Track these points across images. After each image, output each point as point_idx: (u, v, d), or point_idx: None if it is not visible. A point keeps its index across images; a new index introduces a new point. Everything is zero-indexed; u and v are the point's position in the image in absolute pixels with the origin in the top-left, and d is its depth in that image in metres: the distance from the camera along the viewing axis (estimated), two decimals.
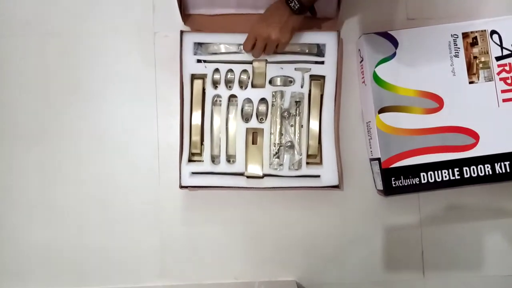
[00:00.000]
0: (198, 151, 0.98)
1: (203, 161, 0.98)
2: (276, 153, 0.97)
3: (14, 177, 1.03)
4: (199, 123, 0.98)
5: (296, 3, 0.86)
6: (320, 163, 0.98)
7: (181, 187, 0.95)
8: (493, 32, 0.96)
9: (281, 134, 0.98)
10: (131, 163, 1.03)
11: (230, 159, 0.98)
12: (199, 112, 0.98)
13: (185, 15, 0.99)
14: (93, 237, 1.02)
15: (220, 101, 0.99)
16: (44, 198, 1.03)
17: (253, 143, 0.98)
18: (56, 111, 1.04)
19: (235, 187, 0.95)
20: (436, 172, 0.95)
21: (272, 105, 0.98)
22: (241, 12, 0.99)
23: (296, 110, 0.98)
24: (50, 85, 1.04)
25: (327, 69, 0.98)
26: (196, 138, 0.98)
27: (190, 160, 0.98)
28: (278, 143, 0.97)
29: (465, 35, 0.97)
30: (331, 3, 0.97)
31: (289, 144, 0.97)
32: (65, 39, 1.05)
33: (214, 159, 0.98)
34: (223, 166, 0.97)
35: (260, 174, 0.96)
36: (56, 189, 1.03)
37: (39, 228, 1.02)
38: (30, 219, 1.03)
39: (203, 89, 0.99)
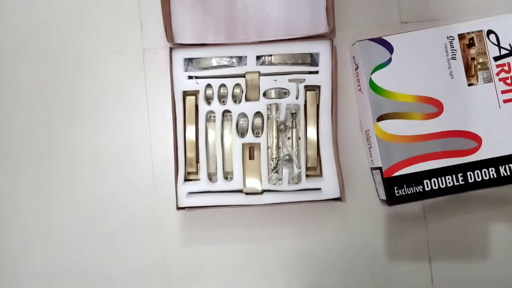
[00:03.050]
0: (194, 170, 0.96)
1: (199, 179, 0.95)
2: (275, 167, 0.95)
3: (8, 199, 1.01)
4: (194, 140, 0.96)
5: None
6: (320, 175, 0.95)
7: (178, 208, 0.93)
8: (489, 32, 0.94)
9: (278, 147, 0.95)
10: (127, 182, 1.00)
11: (227, 176, 0.96)
12: (193, 129, 0.96)
13: (174, 45, 0.97)
14: (92, 259, 1.00)
15: (214, 117, 0.96)
16: (39, 220, 1.00)
17: (250, 158, 0.96)
18: (49, 131, 1.01)
19: (234, 205, 0.93)
20: (439, 178, 0.92)
21: (268, 118, 0.95)
22: (231, 42, 0.96)
23: (292, 122, 0.96)
24: (42, 104, 1.02)
25: (322, 79, 0.95)
26: (191, 155, 0.95)
27: (186, 179, 0.95)
28: (276, 157, 0.95)
29: (461, 37, 0.94)
30: (320, 21, 0.96)
31: (287, 157, 0.95)
32: (56, 58, 1.03)
33: (211, 176, 0.96)
34: (220, 184, 0.94)
35: (259, 190, 0.94)
36: (51, 210, 1.00)
37: (36, 250, 1.00)
38: (26, 241, 1.00)
39: (196, 106, 0.96)
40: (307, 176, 0.95)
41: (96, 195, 1.01)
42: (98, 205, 1.00)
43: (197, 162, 0.96)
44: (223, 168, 0.95)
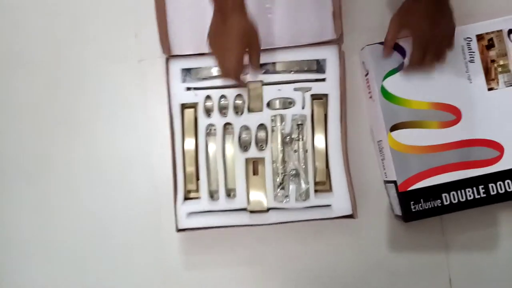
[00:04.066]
0: (194, 188, 0.90)
1: (200, 198, 0.89)
2: (281, 183, 0.88)
3: (7, 216, 0.97)
4: (193, 154, 0.90)
5: None
6: (330, 190, 0.89)
7: (178, 230, 0.87)
8: (510, 31, 0.87)
9: (284, 161, 0.89)
10: (127, 201, 0.95)
11: (230, 193, 0.89)
12: (193, 144, 0.90)
13: (170, 57, 0.91)
14: (90, 282, 0.95)
15: (215, 130, 0.90)
16: (38, 237, 0.96)
17: (254, 174, 0.90)
18: (46, 145, 0.97)
19: (238, 225, 0.87)
20: (459, 191, 0.86)
21: (272, 130, 0.89)
22: None
23: (298, 134, 0.90)
24: (39, 118, 0.98)
25: (330, 87, 0.89)
26: (191, 169, 0.90)
27: (186, 198, 0.90)
28: (282, 172, 0.89)
29: (479, 38, 0.87)
30: (327, 27, 0.90)
31: (294, 172, 0.88)
32: (52, 71, 0.98)
33: (212, 194, 0.90)
34: (222, 202, 0.88)
35: (265, 208, 0.87)
36: (51, 227, 0.96)
37: (33, 271, 0.96)
38: (26, 259, 0.96)
39: (195, 119, 0.91)
40: (315, 191, 0.88)
41: (94, 217, 0.95)
42: (96, 226, 0.95)
43: (197, 178, 0.90)
44: (225, 185, 0.89)
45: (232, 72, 0.81)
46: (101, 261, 0.95)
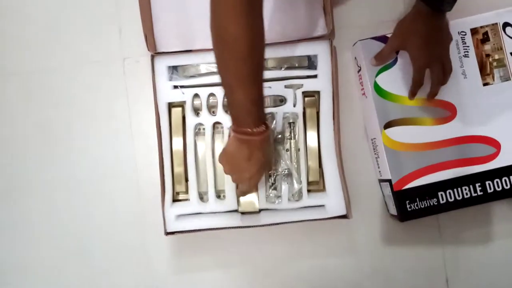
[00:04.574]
0: (183, 189, 0.86)
1: (189, 200, 0.86)
2: (273, 183, 0.86)
3: None
4: (181, 157, 0.86)
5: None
6: (323, 190, 0.86)
7: (167, 233, 0.83)
8: (506, 24, 0.85)
9: (276, 161, 0.86)
10: (111, 208, 0.91)
11: (220, 194, 0.86)
12: (181, 144, 0.87)
13: (156, 54, 0.87)
14: None
15: (204, 129, 0.87)
16: (17, 256, 0.92)
17: None
18: (22, 158, 0.93)
19: (228, 227, 0.84)
20: (455, 189, 0.84)
21: None
22: None
23: (290, 132, 0.87)
24: (14, 129, 0.93)
25: (322, 83, 0.87)
26: (179, 170, 0.87)
27: (175, 200, 0.86)
28: (273, 172, 0.86)
29: (474, 31, 0.85)
30: (318, 22, 0.87)
31: (286, 172, 0.86)
32: (27, 77, 0.94)
33: (202, 196, 0.87)
34: (212, 204, 0.85)
35: (256, 209, 0.84)
36: (30, 246, 0.92)
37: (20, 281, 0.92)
38: (5, 279, 0.92)
39: (183, 118, 0.87)
40: (308, 191, 0.86)
41: (75, 226, 0.91)
42: (79, 236, 0.91)
43: (186, 180, 0.86)
44: (215, 186, 0.86)
45: (248, 193, 0.83)
46: (86, 269, 0.91)
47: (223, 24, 0.61)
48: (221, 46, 0.64)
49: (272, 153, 0.80)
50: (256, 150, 0.73)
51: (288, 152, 0.86)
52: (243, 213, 0.85)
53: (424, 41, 0.78)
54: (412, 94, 0.83)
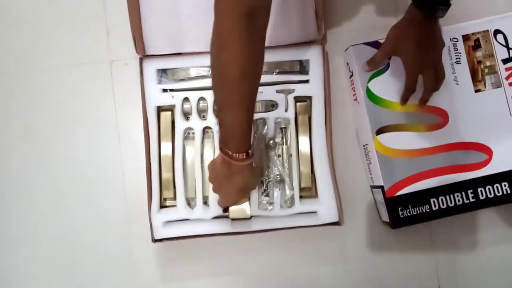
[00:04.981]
0: (171, 195, 0.84)
1: (177, 206, 0.83)
2: (265, 190, 0.84)
3: None
4: (170, 162, 0.84)
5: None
6: (316, 196, 0.85)
7: (154, 241, 0.81)
8: (497, 31, 0.85)
9: (267, 167, 0.84)
10: (97, 215, 0.89)
11: (206, 200, 0.84)
12: (170, 149, 0.85)
13: (144, 57, 0.85)
14: None
15: (193, 134, 0.85)
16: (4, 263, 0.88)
17: None
18: (3, 162, 0.89)
19: (218, 234, 0.81)
20: (448, 196, 0.83)
21: (254, 134, 0.84)
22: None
23: (282, 138, 0.85)
24: None
25: (313, 88, 0.86)
26: (167, 176, 0.84)
27: (162, 206, 0.84)
28: (265, 178, 0.84)
29: (465, 38, 0.85)
30: (310, 27, 0.86)
31: (278, 178, 0.84)
32: (10, 79, 0.91)
33: (189, 202, 0.84)
34: (199, 210, 0.83)
35: (248, 216, 0.82)
36: (11, 254, 0.88)
37: None
38: None
39: (173, 122, 0.85)
40: (300, 197, 0.84)
41: (59, 233, 0.88)
42: (62, 243, 0.88)
43: (174, 186, 0.84)
44: (202, 192, 0.83)
45: (228, 206, 0.81)
46: (70, 278, 0.88)
47: (219, 45, 0.60)
48: (215, 66, 0.63)
49: (255, 181, 0.77)
50: (236, 174, 0.72)
51: (280, 158, 0.85)
52: (233, 219, 0.83)
53: (417, 46, 0.77)
54: (404, 100, 0.83)
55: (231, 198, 0.78)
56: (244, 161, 0.69)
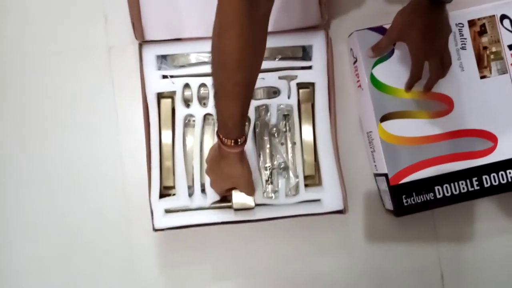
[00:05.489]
0: (172, 183, 0.82)
1: (178, 194, 0.82)
2: (269, 178, 0.82)
3: None
4: (170, 150, 0.82)
5: None
6: (319, 184, 0.84)
7: (155, 230, 0.79)
8: (503, 16, 0.84)
9: (271, 155, 0.83)
10: (95, 206, 0.87)
11: (204, 188, 0.82)
12: (170, 137, 0.83)
13: (144, 42, 0.83)
14: None
15: (194, 121, 0.83)
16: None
17: None
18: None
19: (221, 222, 0.80)
20: (452, 184, 0.82)
21: (257, 122, 0.83)
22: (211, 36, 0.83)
23: (285, 125, 0.84)
24: None
25: (316, 75, 0.84)
26: (168, 164, 0.83)
27: (163, 195, 0.82)
28: (269, 166, 0.82)
29: (471, 23, 0.84)
30: (313, 12, 0.84)
31: (282, 165, 0.83)
32: (9, 67, 0.88)
33: (188, 189, 0.82)
34: (198, 198, 0.81)
35: (252, 205, 0.80)
36: (11, 245, 0.86)
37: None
38: None
39: (173, 109, 0.83)
40: (305, 185, 0.82)
41: (58, 224, 0.86)
42: (62, 234, 0.86)
43: (174, 174, 0.82)
44: (201, 180, 0.82)
45: (218, 193, 0.82)
46: (69, 269, 0.87)
47: (220, 29, 0.58)
48: (214, 50, 0.61)
49: (243, 173, 0.75)
50: (224, 159, 0.71)
51: (284, 146, 0.83)
52: (236, 209, 0.81)
53: (423, 33, 0.75)
54: (409, 87, 0.81)
55: (218, 184, 0.78)
56: (232, 148, 0.68)
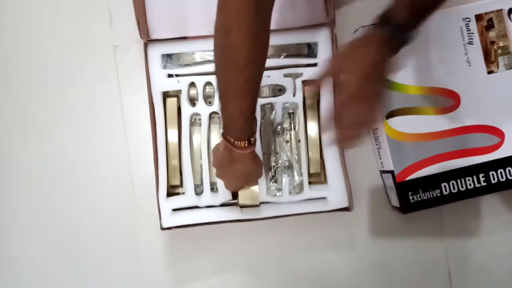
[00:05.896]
0: (178, 182, 0.83)
1: (184, 193, 0.82)
2: (273, 176, 0.83)
3: None
4: (177, 149, 0.83)
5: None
6: (325, 182, 0.84)
7: (163, 229, 0.80)
8: (511, 11, 0.83)
9: (276, 153, 0.83)
10: (103, 204, 0.87)
11: (213, 186, 0.83)
12: (176, 136, 0.83)
13: (149, 41, 0.83)
14: None
15: (200, 120, 0.84)
16: (4, 250, 0.87)
17: None
18: (4, 150, 0.88)
19: (227, 221, 0.81)
20: (458, 180, 0.82)
21: (262, 120, 0.83)
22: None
23: (290, 123, 0.84)
24: None
25: None
26: (174, 163, 0.83)
27: (170, 194, 0.83)
28: (274, 165, 0.83)
29: (478, 18, 0.83)
30: (318, 9, 0.84)
31: (286, 164, 0.83)
32: (11, 65, 0.88)
33: (196, 188, 0.83)
34: (207, 196, 0.82)
35: (257, 203, 0.81)
36: (18, 240, 0.87)
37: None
38: None
39: (179, 108, 0.84)
40: (309, 183, 0.83)
41: (64, 222, 0.87)
42: (68, 232, 0.87)
43: (181, 173, 0.83)
44: (210, 178, 0.82)
45: (232, 191, 0.81)
46: (75, 266, 0.88)
47: (225, 27, 0.57)
48: (219, 51, 0.60)
49: (257, 169, 0.74)
50: (237, 162, 0.69)
51: (289, 144, 0.83)
52: (242, 206, 0.82)
53: (368, 71, 0.64)
54: (323, 130, 0.79)
55: (234, 184, 0.77)
56: (245, 149, 0.66)
